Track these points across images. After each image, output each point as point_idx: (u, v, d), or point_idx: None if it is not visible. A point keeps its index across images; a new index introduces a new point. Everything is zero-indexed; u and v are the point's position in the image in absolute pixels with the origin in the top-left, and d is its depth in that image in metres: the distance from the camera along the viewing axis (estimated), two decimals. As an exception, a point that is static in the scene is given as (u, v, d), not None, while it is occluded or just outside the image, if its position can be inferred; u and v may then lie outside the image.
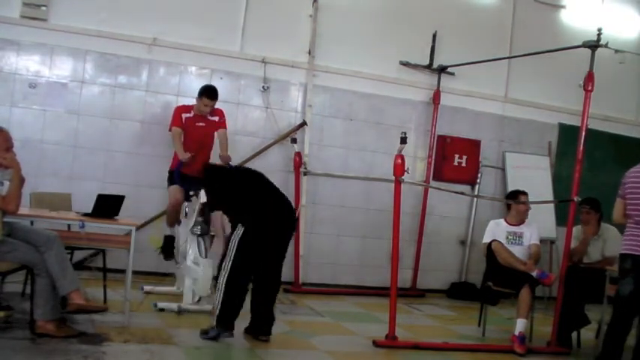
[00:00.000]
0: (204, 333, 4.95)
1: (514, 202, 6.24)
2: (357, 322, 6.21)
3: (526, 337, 5.64)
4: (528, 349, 5.56)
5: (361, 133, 7.88)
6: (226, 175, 5.49)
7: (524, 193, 6.31)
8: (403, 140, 5.42)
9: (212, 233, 5.87)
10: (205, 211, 5.71)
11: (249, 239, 4.91)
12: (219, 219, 5.65)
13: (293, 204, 7.38)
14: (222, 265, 4.93)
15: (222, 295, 4.87)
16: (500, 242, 5.99)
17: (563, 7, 8.70)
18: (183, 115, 6.40)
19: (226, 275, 4.88)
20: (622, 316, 4.92)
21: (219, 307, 4.88)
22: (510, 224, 6.21)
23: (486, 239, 6.16)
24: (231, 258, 4.89)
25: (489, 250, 6.02)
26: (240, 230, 4.92)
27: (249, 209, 5.02)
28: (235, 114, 7.30)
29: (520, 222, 6.21)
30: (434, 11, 8.09)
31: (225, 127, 6.53)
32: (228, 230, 5.21)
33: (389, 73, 7.96)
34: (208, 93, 6.35)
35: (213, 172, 5.49)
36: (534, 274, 5.74)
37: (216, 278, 5.21)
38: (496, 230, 6.20)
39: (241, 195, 5.14)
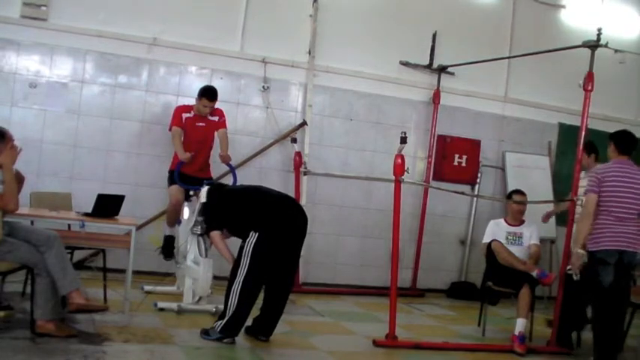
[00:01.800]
0: (205, 333, 4.93)
1: (508, 202, 6.26)
2: (357, 322, 6.21)
3: (526, 336, 5.64)
4: (528, 349, 5.56)
5: (361, 133, 7.88)
6: (226, 196, 5.30)
7: (520, 193, 6.31)
8: (403, 140, 5.42)
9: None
10: (204, 237, 5.63)
11: (264, 246, 4.80)
12: (219, 240, 5.25)
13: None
14: (236, 274, 4.80)
15: (234, 305, 4.77)
16: (499, 242, 5.99)
17: (563, 7, 8.69)
18: (184, 115, 6.40)
19: (240, 285, 4.76)
20: (606, 307, 4.98)
21: (229, 316, 4.80)
22: (510, 224, 6.22)
23: (486, 239, 6.17)
24: (246, 267, 4.77)
25: (489, 249, 6.02)
26: (253, 237, 4.80)
27: (259, 219, 4.90)
28: (235, 114, 7.30)
29: (519, 222, 6.22)
30: (434, 11, 8.09)
31: (225, 127, 6.53)
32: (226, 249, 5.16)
33: (389, 73, 7.96)
34: (208, 94, 6.35)
35: (213, 195, 5.32)
36: (534, 273, 5.74)
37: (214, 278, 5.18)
38: (496, 230, 6.20)
39: (246, 209, 5.04)
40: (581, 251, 5.01)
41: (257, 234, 4.81)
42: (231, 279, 4.85)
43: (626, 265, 5.01)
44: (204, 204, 5.42)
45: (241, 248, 4.86)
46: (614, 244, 4.99)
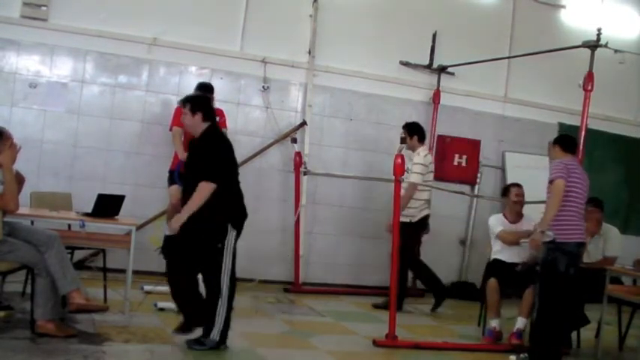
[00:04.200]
0: (198, 344, 4.70)
1: (505, 199, 6.27)
2: (357, 322, 6.21)
3: (522, 333, 5.63)
4: (528, 349, 5.54)
5: (361, 133, 7.88)
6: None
7: (517, 186, 6.29)
8: (403, 140, 5.43)
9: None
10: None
11: (234, 242, 4.70)
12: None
13: (293, 204, 7.44)
14: (221, 279, 4.65)
15: (225, 311, 4.66)
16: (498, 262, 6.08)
17: (563, 7, 8.70)
18: (184, 115, 6.39)
19: (227, 289, 4.67)
20: (563, 294, 5.04)
21: (223, 322, 4.67)
22: (510, 221, 6.18)
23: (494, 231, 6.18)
24: (229, 269, 4.67)
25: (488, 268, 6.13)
26: (232, 235, 4.66)
27: (236, 213, 4.75)
28: (235, 114, 7.30)
29: (519, 217, 6.17)
30: (434, 11, 8.10)
31: (225, 127, 6.53)
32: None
33: (389, 73, 7.96)
34: (202, 90, 6.32)
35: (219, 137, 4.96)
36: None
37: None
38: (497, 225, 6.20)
39: (230, 190, 4.79)
40: (550, 232, 5.00)
41: (235, 232, 4.69)
42: (216, 284, 4.66)
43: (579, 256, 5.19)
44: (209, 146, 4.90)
45: (213, 245, 4.67)
46: (581, 237, 5.11)
